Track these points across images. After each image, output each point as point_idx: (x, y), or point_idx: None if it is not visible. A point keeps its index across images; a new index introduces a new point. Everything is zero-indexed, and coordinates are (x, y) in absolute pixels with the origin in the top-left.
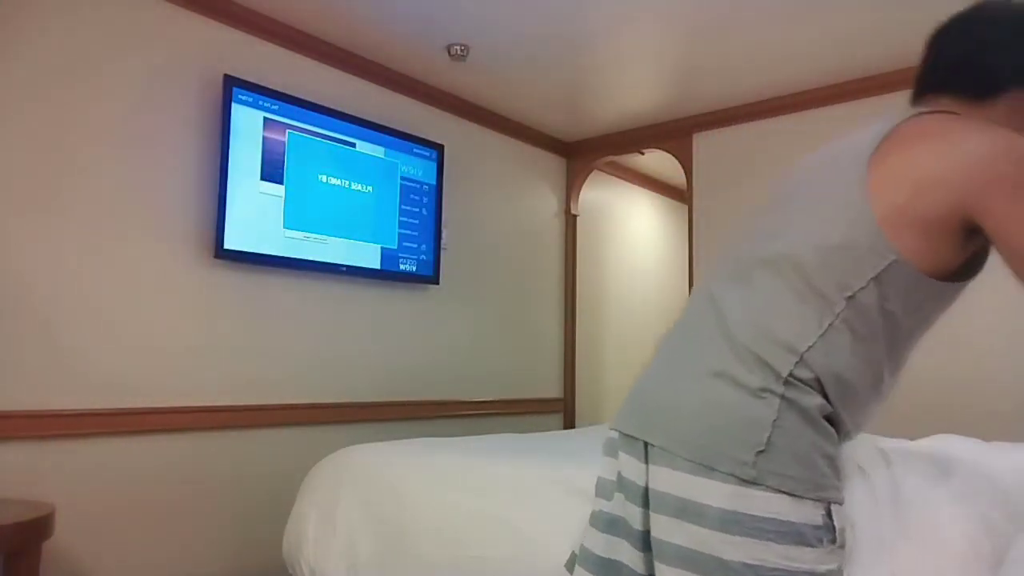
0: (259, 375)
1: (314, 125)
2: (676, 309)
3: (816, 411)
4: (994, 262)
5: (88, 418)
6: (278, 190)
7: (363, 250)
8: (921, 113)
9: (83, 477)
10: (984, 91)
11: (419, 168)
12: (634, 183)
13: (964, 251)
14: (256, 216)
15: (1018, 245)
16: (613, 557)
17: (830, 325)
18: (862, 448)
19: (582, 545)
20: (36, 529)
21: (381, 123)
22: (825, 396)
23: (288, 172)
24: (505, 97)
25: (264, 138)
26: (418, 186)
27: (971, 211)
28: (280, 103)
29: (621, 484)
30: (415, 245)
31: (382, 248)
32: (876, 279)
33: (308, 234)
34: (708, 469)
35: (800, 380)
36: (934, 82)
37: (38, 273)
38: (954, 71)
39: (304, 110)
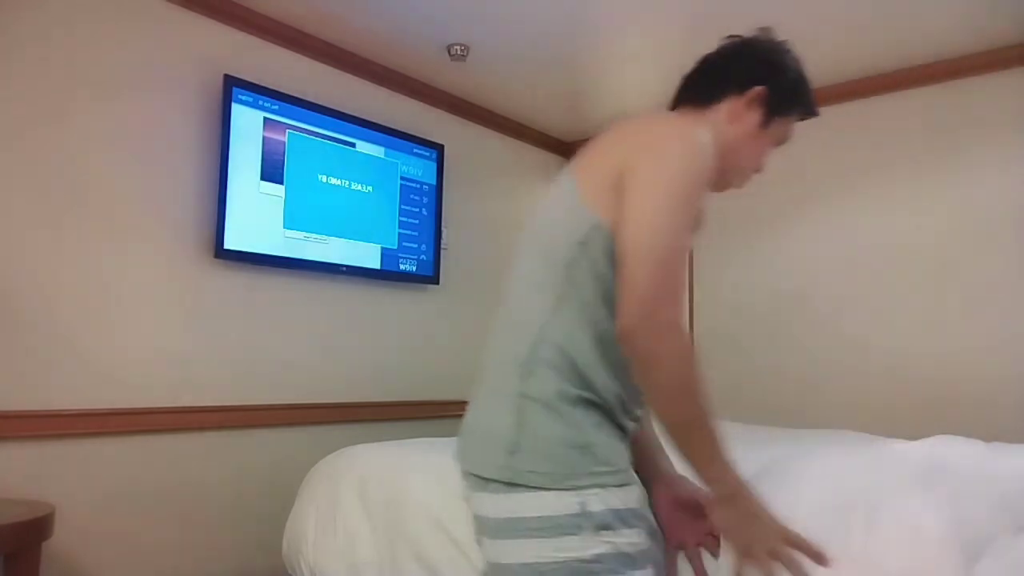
0: (259, 375)
1: (314, 125)
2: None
3: (558, 399)
4: (995, 262)
5: (88, 418)
6: (278, 190)
7: (363, 250)
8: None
9: (83, 477)
10: (709, 99)
11: (419, 168)
12: None
13: None
14: (256, 216)
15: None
16: None
17: (558, 298)
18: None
19: None
20: (36, 529)
21: (381, 123)
22: (573, 376)
23: (288, 172)
24: (505, 97)
25: (264, 138)
26: (418, 186)
27: (624, 171)
28: (280, 103)
29: None
30: (415, 245)
31: (382, 248)
32: (582, 243)
33: (308, 234)
34: (484, 481)
35: (543, 364)
36: (677, 100)
37: (38, 273)
38: (690, 87)
39: (304, 110)
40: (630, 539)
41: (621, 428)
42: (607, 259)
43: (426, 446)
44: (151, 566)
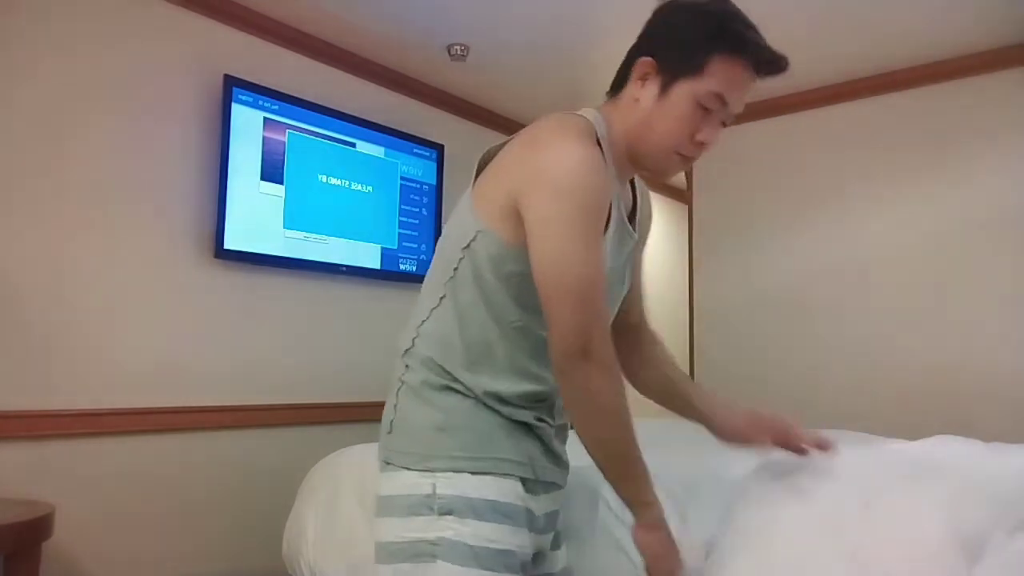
0: (259, 375)
1: (314, 125)
2: (676, 309)
3: (423, 387)
4: (996, 262)
5: (88, 418)
6: (278, 190)
7: (363, 250)
8: None
9: (83, 477)
10: (618, 87)
11: (419, 168)
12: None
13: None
14: (256, 216)
15: (537, 234)
16: None
17: (440, 298)
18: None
19: None
20: (36, 529)
21: (381, 123)
22: (439, 370)
23: (288, 172)
24: (505, 97)
25: (264, 138)
26: (418, 186)
27: (518, 201)
28: (280, 103)
29: None
30: (415, 245)
31: (382, 248)
32: (467, 248)
33: (308, 234)
34: (380, 463)
35: (417, 357)
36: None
37: (38, 273)
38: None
39: (304, 110)
40: (478, 531)
41: (510, 419)
42: (491, 263)
43: None
44: (151, 566)
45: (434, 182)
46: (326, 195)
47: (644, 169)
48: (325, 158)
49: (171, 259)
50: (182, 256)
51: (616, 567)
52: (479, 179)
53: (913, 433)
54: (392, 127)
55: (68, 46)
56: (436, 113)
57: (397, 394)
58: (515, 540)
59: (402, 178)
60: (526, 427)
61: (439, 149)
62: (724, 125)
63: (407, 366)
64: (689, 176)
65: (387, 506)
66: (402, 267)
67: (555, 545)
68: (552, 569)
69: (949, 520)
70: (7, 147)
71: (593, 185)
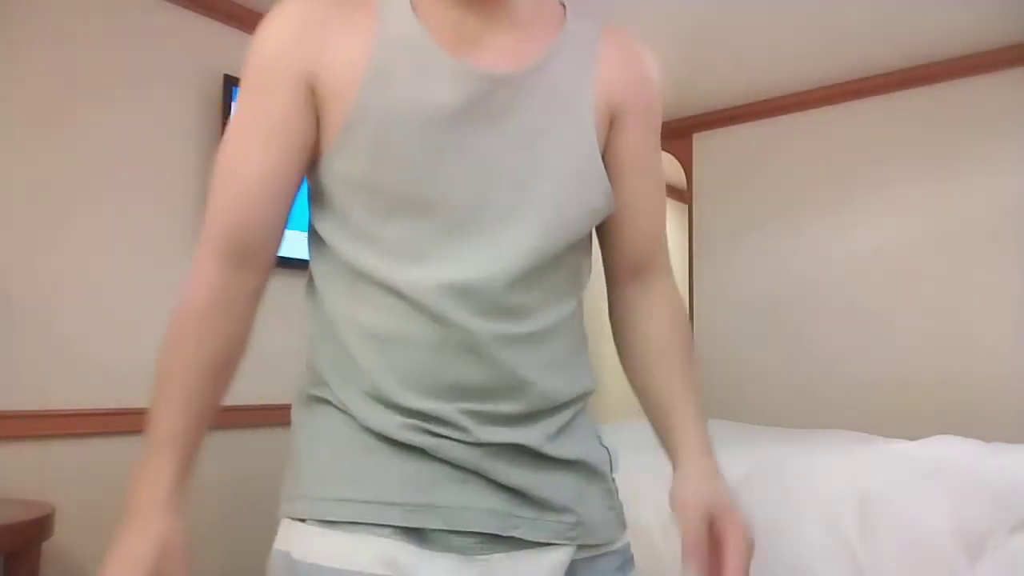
0: (259, 375)
1: None
2: None
3: (296, 399)
4: (997, 262)
5: (88, 418)
6: None
7: None
8: None
9: (83, 477)
10: None
11: None
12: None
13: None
14: None
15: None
16: None
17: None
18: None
19: None
20: (36, 529)
21: None
22: (310, 371)
23: None
24: None
25: None
26: None
27: None
28: None
29: None
30: None
31: None
32: None
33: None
34: None
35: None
36: None
37: (37, 273)
38: None
39: None
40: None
41: (380, 437)
42: None
43: None
44: None
45: None
46: None
47: None
48: None
49: (171, 259)
50: (182, 256)
51: None
52: None
53: (913, 433)
54: None
55: (67, 46)
56: None
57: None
58: None
59: None
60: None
61: None
62: None
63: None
64: (689, 176)
65: None
66: None
67: None
68: None
69: (950, 519)
70: (7, 147)
71: (260, 48)
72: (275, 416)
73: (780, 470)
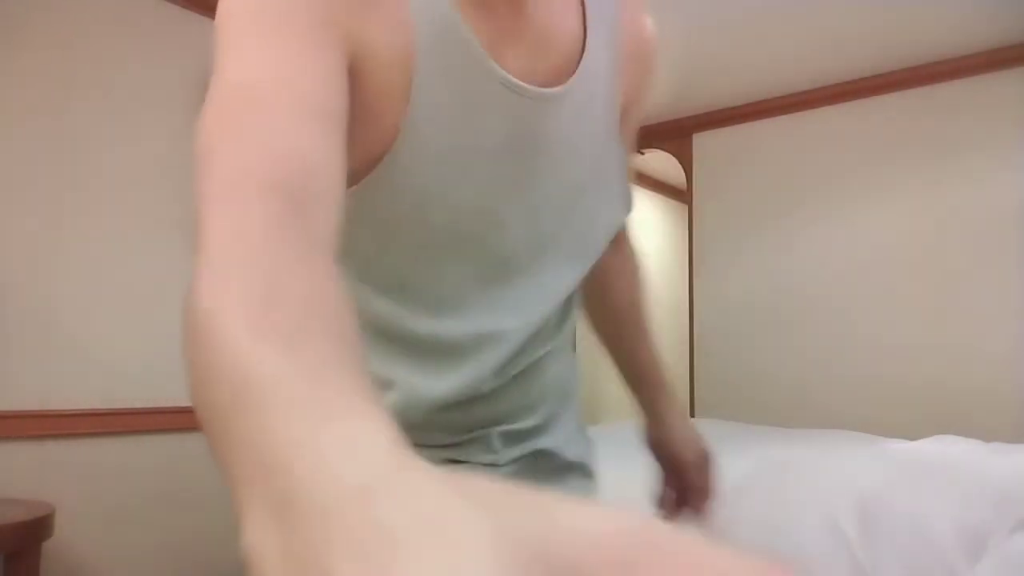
0: None
1: None
2: (676, 309)
3: None
4: (997, 261)
5: (88, 418)
6: None
7: None
8: None
9: (83, 477)
10: None
11: None
12: (633, 183)
13: None
14: None
15: None
16: None
17: None
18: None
19: None
20: (36, 529)
21: None
22: None
23: None
24: None
25: None
26: None
27: None
28: None
29: None
30: None
31: None
32: None
33: None
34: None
35: None
36: None
37: (38, 272)
38: None
39: None
40: None
41: None
42: None
43: None
44: (151, 566)
45: None
46: None
47: None
48: None
49: (171, 259)
50: (183, 256)
51: None
52: None
53: (913, 433)
54: None
55: (66, 45)
56: None
57: None
58: None
59: None
60: None
61: None
62: None
63: None
64: (689, 176)
65: None
66: None
67: None
68: None
69: (950, 519)
70: (7, 146)
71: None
72: None
73: (780, 470)
